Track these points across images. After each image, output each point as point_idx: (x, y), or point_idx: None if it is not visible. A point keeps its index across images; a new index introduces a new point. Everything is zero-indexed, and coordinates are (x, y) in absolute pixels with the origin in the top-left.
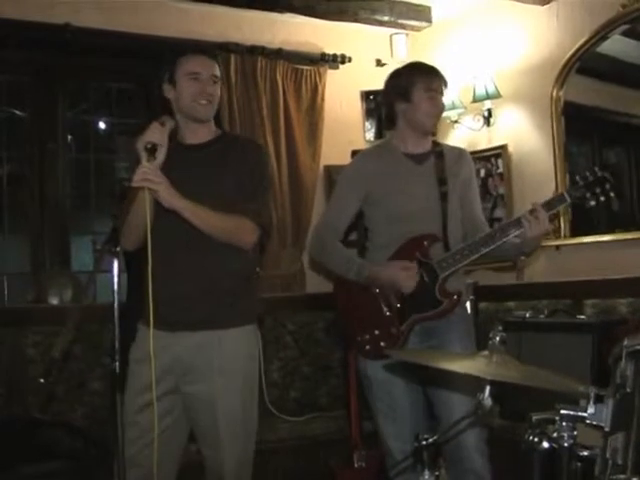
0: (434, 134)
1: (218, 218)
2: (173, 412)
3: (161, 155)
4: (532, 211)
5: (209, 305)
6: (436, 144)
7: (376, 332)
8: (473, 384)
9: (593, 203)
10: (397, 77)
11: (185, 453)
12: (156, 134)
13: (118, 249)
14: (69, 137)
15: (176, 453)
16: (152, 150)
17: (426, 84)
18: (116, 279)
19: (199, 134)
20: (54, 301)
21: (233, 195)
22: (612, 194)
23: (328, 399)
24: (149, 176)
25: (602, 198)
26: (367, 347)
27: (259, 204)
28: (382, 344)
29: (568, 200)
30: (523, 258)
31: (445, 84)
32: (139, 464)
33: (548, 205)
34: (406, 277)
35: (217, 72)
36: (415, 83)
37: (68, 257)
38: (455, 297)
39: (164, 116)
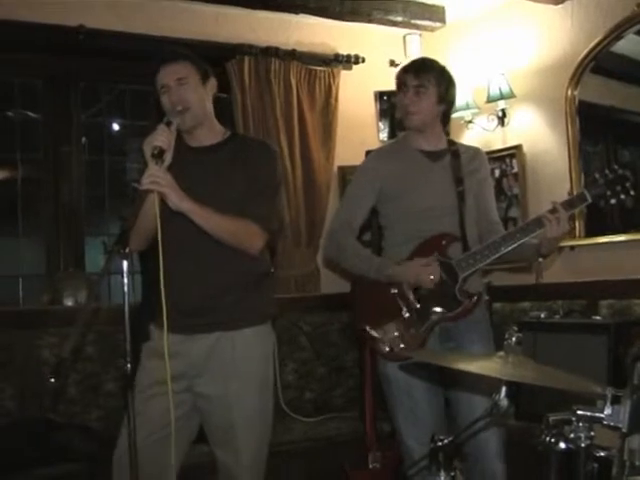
0: (447, 134)
1: (225, 221)
2: (180, 408)
3: (168, 157)
4: (552, 210)
5: (222, 306)
6: (452, 143)
7: (395, 333)
8: (493, 384)
9: (614, 201)
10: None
11: (196, 454)
12: (163, 136)
13: (127, 250)
14: (83, 139)
15: (179, 450)
16: (159, 154)
17: (399, 80)
18: (126, 280)
19: (201, 137)
20: (69, 303)
21: (242, 198)
22: (632, 192)
23: (343, 400)
24: (157, 179)
25: (622, 196)
26: (386, 348)
27: (267, 208)
28: (401, 345)
29: (589, 199)
30: (540, 260)
31: (429, 78)
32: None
33: (569, 204)
34: (428, 273)
35: (181, 73)
36: (396, 81)
37: (82, 259)
38: (475, 297)
39: (169, 116)
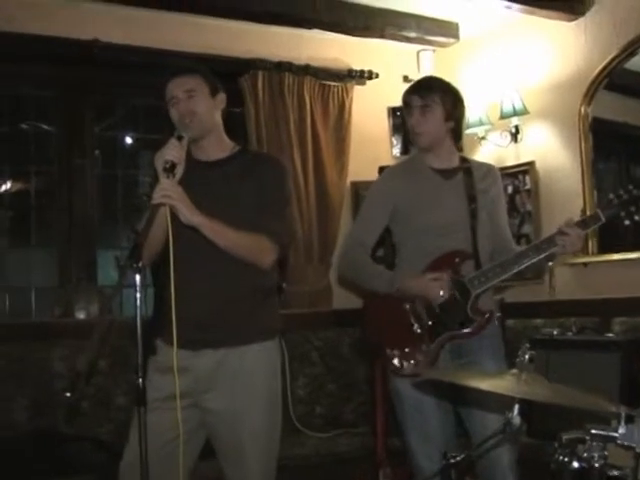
0: (459, 149)
1: (237, 235)
2: (185, 425)
3: (180, 171)
4: (566, 230)
5: (230, 322)
6: (464, 160)
7: (406, 349)
8: (506, 402)
9: (628, 222)
10: None
11: (204, 469)
12: (174, 151)
13: (140, 265)
14: (96, 152)
15: (184, 467)
16: (171, 168)
17: (405, 101)
18: (138, 295)
19: (210, 150)
20: (81, 315)
21: (252, 213)
22: None
23: (354, 416)
24: (168, 192)
25: (637, 217)
26: (397, 365)
27: (278, 222)
28: (412, 362)
29: (603, 219)
30: (550, 264)
31: (434, 96)
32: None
33: (583, 224)
34: (436, 287)
35: (189, 85)
36: (403, 101)
37: (95, 272)
38: (487, 315)
39: (179, 130)
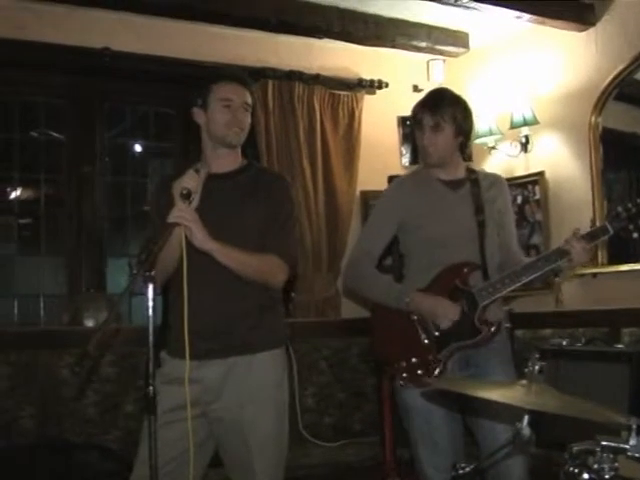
0: (467, 159)
1: (250, 259)
2: (196, 434)
3: (196, 199)
4: (574, 242)
5: (238, 331)
6: (471, 171)
7: (414, 360)
8: (514, 412)
9: (636, 235)
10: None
11: (212, 478)
12: (192, 181)
13: (153, 273)
14: (106, 160)
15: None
16: (187, 195)
17: (416, 116)
18: (151, 303)
19: (225, 161)
20: (89, 323)
21: (257, 228)
22: None
23: (362, 425)
24: (184, 214)
25: None
26: (405, 375)
27: (288, 241)
28: (420, 372)
29: (611, 232)
30: (557, 279)
31: (444, 114)
32: None
33: (591, 236)
34: (448, 313)
35: (249, 100)
36: (414, 116)
37: (104, 279)
38: (494, 326)
39: (199, 163)
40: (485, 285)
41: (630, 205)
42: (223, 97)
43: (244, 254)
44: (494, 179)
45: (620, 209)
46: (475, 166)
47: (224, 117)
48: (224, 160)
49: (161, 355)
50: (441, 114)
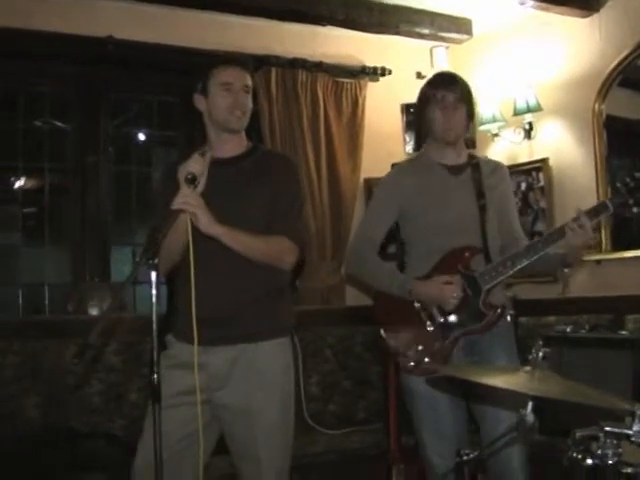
0: (470, 146)
1: (258, 241)
2: (197, 421)
3: (201, 183)
4: (575, 219)
5: (245, 318)
6: (472, 157)
7: (419, 347)
8: (519, 399)
9: (636, 210)
10: (423, 86)
11: (218, 466)
12: (197, 166)
13: (157, 261)
14: (110, 149)
15: (196, 464)
16: (192, 180)
17: (433, 94)
18: (154, 291)
19: (230, 146)
20: (94, 312)
21: (264, 212)
22: None
23: (367, 413)
24: (189, 200)
25: None
26: (411, 363)
27: (296, 223)
28: (426, 359)
29: (610, 208)
30: (566, 270)
31: (461, 93)
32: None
33: (592, 212)
34: (449, 293)
35: (249, 82)
36: (428, 95)
37: (108, 268)
38: (499, 310)
39: (205, 147)
40: (487, 269)
41: (628, 179)
42: (223, 81)
43: (252, 237)
44: (495, 166)
45: (619, 184)
46: (479, 153)
47: (225, 101)
48: (229, 145)
49: (167, 338)
50: (461, 92)
